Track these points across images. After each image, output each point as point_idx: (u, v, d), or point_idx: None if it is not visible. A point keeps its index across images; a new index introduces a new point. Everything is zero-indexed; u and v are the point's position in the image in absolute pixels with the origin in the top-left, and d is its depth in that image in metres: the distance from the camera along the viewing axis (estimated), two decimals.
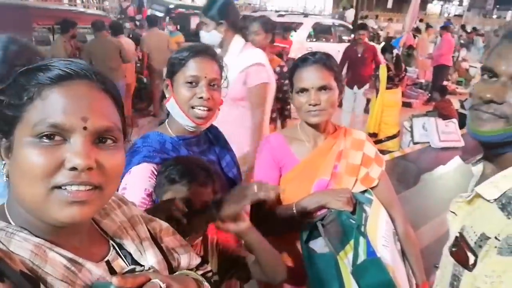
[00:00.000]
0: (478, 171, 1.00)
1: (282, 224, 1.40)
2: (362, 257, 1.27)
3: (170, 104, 1.29)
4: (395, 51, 5.50)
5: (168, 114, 1.35)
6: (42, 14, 5.81)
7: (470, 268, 0.87)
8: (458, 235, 0.92)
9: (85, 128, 0.59)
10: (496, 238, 0.82)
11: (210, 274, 0.93)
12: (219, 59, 1.32)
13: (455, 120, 5.29)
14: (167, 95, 1.31)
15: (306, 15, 11.03)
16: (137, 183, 1.19)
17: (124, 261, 0.72)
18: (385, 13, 21.37)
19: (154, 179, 1.20)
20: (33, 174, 0.56)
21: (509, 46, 0.86)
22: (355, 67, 5.85)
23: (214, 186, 1.17)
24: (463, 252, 0.89)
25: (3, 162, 0.61)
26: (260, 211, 1.41)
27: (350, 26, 9.74)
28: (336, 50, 8.75)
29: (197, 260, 0.90)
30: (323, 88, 1.35)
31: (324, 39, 9.57)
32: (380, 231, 1.33)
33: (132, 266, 0.71)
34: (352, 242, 1.29)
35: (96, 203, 0.61)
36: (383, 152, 5.18)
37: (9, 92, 0.60)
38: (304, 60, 1.40)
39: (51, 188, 0.57)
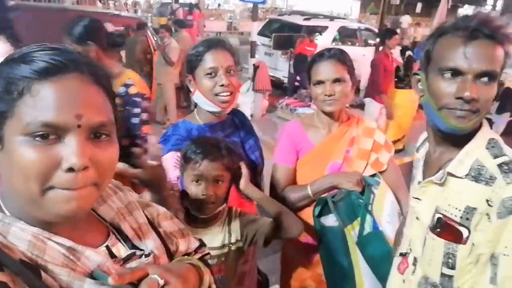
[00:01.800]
0: (422, 156, 1.11)
1: (298, 201, 1.56)
2: (367, 230, 1.42)
3: (196, 96, 1.46)
4: (408, 52, 5.40)
5: (195, 105, 1.53)
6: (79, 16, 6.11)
7: (465, 241, 0.97)
8: (439, 216, 1.01)
9: (79, 126, 0.57)
10: (489, 205, 0.93)
11: (208, 256, 0.94)
12: (230, 48, 1.48)
13: None
14: (191, 89, 1.48)
15: (332, 18, 11.06)
16: (168, 171, 1.34)
17: (124, 246, 0.71)
18: (414, 17, 21.02)
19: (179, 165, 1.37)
20: (28, 173, 0.54)
21: (467, 46, 0.92)
22: (387, 76, 5.02)
23: (225, 160, 1.32)
24: (452, 230, 0.99)
25: None
26: (279, 190, 1.59)
27: (376, 30, 9.70)
28: (361, 53, 8.76)
29: (196, 244, 0.90)
30: (337, 80, 1.51)
31: (349, 43, 9.57)
32: (385, 210, 1.47)
33: (132, 251, 0.71)
34: (359, 218, 1.44)
35: (92, 197, 0.61)
36: None
37: None
38: (320, 55, 1.57)
39: (46, 188, 0.56)
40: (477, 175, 0.96)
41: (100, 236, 0.70)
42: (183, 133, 1.45)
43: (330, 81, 1.50)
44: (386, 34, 5.27)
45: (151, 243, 0.75)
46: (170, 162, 1.36)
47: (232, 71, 1.44)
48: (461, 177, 0.98)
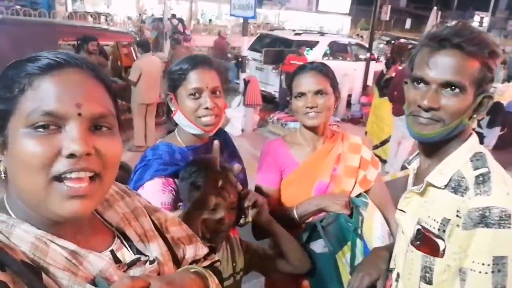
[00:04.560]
0: (413, 168, 1.09)
1: (283, 225, 1.44)
2: (359, 258, 1.32)
3: (178, 117, 1.33)
4: None
5: (176, 124, 1.40)
6: (68, 31, 6.07)
7: (441, 254, 0.92)
8: (419, 228, 0.98)
9: (79, 114, 0.58)
10: (457, 215, 0.89)
11: (218, 263, 0.93)
12: (218, 67, 1.37)
13: None
14: (172, 108, 1.35)
15: (322, 34, 11.16)
16: (152, 199, 1.23)
17: (129, 251, 0.71)
18: (403, 33, 21.38)
19: (168, 191, 1.25)
20: (31, 164, 0.55)
21: (433, 55, 0.93)
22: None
23: (237, 188, 1.24)
24: (430, 242, 0.95)
25: (0, 159, 0.59)
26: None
27: (366, 45, 9.80)
28: (352, 68, 8.83)
29: (204, 250, 0.89)
30: (319, 92, 1.43)
31: (340, 57, 9.65)
32: (375, 232, 1.38)
33: (137, 256, 0.71)
34: (349, 243, 1.35)
35: (96, 195, 0.60)
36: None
37: (1, 86, 0.59)
38: (302, 68, 1.49)
39: (51, 179, 0.56)
40: (456, 186, 0.93)
41: (106, 240, 0.70)
42: (165, 157, 1.30)
43: (312, 92, 1.43)
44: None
45: (156, 250, 0.75)
46: (157, 187, 1.24)
47: (218, 92, 1.33)
48: (440, 188, 0.96)
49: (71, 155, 0.56)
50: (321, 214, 1.44)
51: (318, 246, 1.41)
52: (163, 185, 1.25)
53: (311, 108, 1.42)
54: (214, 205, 1.18)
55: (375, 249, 1.27)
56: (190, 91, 1.29)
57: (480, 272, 0.86)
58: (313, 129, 1.49)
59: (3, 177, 0.60)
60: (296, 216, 1.44)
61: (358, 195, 1.49)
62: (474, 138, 0.99)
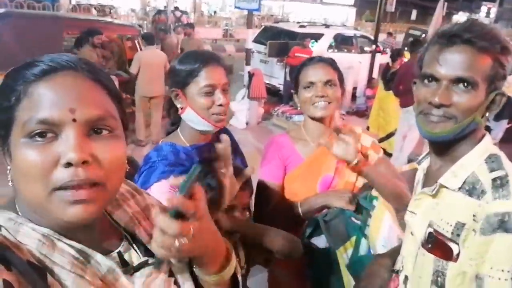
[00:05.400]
0: (423, 168, 1.07)
1: (286, 221, 1.46)
2: (361, 254, 1.34)
3: (187, 114, 1.31)
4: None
5: (173, 124, 1.39)
6: (72, 24, 6.05)
7: (455, 259, 0.90)
8: (431, 231, 0.96)
9: (74, 120, 0.56)
10: (474, 220, 0.87)
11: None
12: (224, 64, 1.37)
13: None
14: (179, 106, 1.32)
15: (327, 26, 11.07)
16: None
17: (137, 252, 0.70)
18: (409, 25, 21.16)
19: (176, 191, 1.22)
20: (31, 175, 0.55)
21: (443, 51, 0.92)
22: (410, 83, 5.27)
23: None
24: (443, 246, 0.92)
25: (9, 167, 0.59)
26: (265, 208, 1.49)
27: (372, 37, 9.71)
28: (357, 61, 8.77)
29: None
30: (328, 82, 1.44)
31: (345, 50, 9.58)
32: (381, 234, 1.37)
33: (145, 258, 0.69)
34: (353, 239, 1.36)
35: (100, 199, 0.59)
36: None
37: (1, 95, 0.58)
38: (310, 59, 1.51)
39: (52, 189, 0.55)
40: (471, 189, 0.91)
41: (113, 242, 0.68)
42: (170, 157, 1.28)
43: (322, 82, 1.43)
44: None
45: None
46: (163, 190, 1.19)
47: (226, 89, 1.34)
48: (454, 190, 0.93)
49: (68, 164, 0.54)
50: (325, 210, 1.45)
51: (321, 241, 1.43)
52: (170, 187, 1.23)
53: (321, 97, 1.42)
54: (228, 206, 1.17)
55: (377, 257, 1.25)
56: (204, 89, 1.28)
57: (499, 279, 0.83)
58: (320, 121, 1.49)
59: (12, 185, 0.60)
60: (300, 212, 1.45)
61: (372, 199, 1.48)
62: (488, 138, 0.97)
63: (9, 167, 0.59)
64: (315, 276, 1.43)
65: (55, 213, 0.56)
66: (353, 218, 1.41)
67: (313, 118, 1.49)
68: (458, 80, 0.90)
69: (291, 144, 1.54)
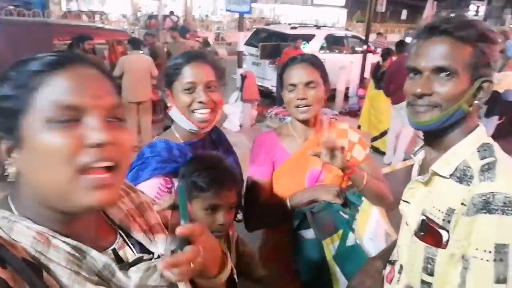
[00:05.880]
0: (419, 160, 1.09)
1: (276, 216, 1.49)
2: (348, 249, 1.36)
3: (173, 112, 1.33)
4: None
5: (173, 121, 1.40)
6: (63, 30, 6.05)
7: (444, 245, 0.92)
8: (423, 219, 0.97)
9: (97, 105, 0.60)
10: (462, 204, 0.89)
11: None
12: (212, 62, 1.37)
13: None
14: (168, 104, 1.35)
15: (318, 27, 11.12)
16: None
17: (131, 250, 0.71)
18: (399, 24, 21.35)
19: (164, 194, 1.22)
20: (57, 157, 0.56)
21: (423, 44, 0.96)
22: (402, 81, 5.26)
23: (238, 187, 1.24)
24: (434, 233, 0.94)
25: (7, 162, 0.59)
26: (255, 204, 1.50)
27: (363, 37, 9.77)
28: (349, 61, 8.81)
29: None
30: (309, 83, 1.45)
31: (337, 50, 9.62)
32: (369, 228, 1.40)
33: (140, 255, 0.70)
34: (340, 232, 1.38)
35: (117, 185, 0.62)
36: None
37: (7, 85, 0.59)
38: (293, 60, 1.52)
39: (75, 171, 0.57)
40: (462, 176, 0.93)
41: (108, 239, 0.69)
42: (163, 154, 1.28)
43: (303, 84, 1.45)
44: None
45: (162, 244, 0.74)
46: (153, 189, 1.21)
47: (212, 87, 1.32)
48: (446, 177, 0.95)
49: (96, 145, 0.57)
50: (314, 204, 1.46)
51: (309, 233, 1.44)
52: (161, 186, 1.23)
53: (302, 100, 1.44)
54: (215, 206, 1.17)
55: (370, 260, 1.26)
56: (185, 86, 1.29)
57: (482, 259, 0.83)
58: (304, 122, 1.52)
59: (11, 179, 0.60)
60: (289, 207, 1.47)
61: (354, 191, 1.50)
62: (481, 128, 0.99)
63: (7, 162, 0.59)
64: (303, 268, 1.44)
65: (77, 198, 0.58)
66: (341, 212, 1.43)
67: (296, 119, 1.52)
68: (438, 70, 0.93)
69: (277, 141, 1.57)
